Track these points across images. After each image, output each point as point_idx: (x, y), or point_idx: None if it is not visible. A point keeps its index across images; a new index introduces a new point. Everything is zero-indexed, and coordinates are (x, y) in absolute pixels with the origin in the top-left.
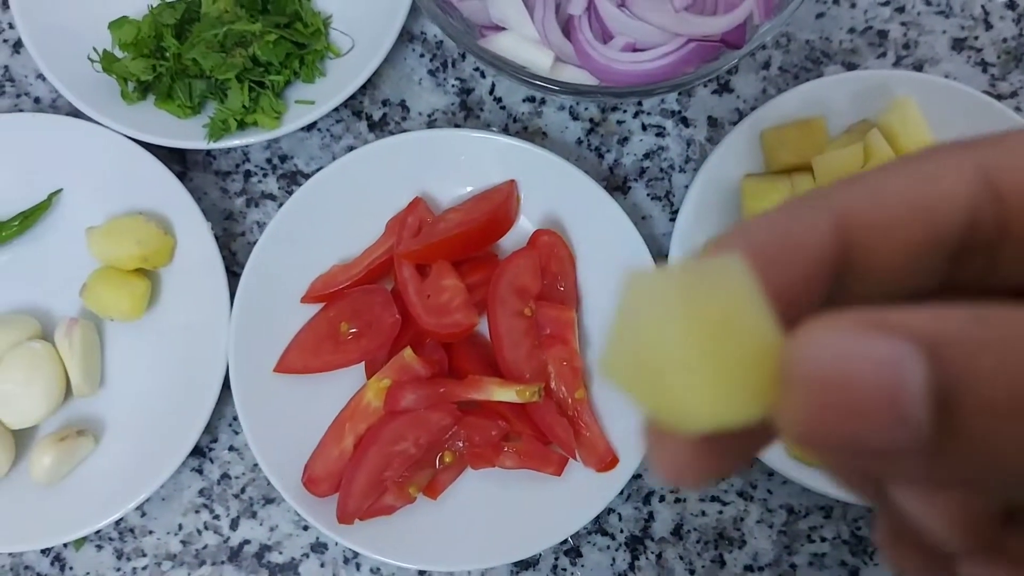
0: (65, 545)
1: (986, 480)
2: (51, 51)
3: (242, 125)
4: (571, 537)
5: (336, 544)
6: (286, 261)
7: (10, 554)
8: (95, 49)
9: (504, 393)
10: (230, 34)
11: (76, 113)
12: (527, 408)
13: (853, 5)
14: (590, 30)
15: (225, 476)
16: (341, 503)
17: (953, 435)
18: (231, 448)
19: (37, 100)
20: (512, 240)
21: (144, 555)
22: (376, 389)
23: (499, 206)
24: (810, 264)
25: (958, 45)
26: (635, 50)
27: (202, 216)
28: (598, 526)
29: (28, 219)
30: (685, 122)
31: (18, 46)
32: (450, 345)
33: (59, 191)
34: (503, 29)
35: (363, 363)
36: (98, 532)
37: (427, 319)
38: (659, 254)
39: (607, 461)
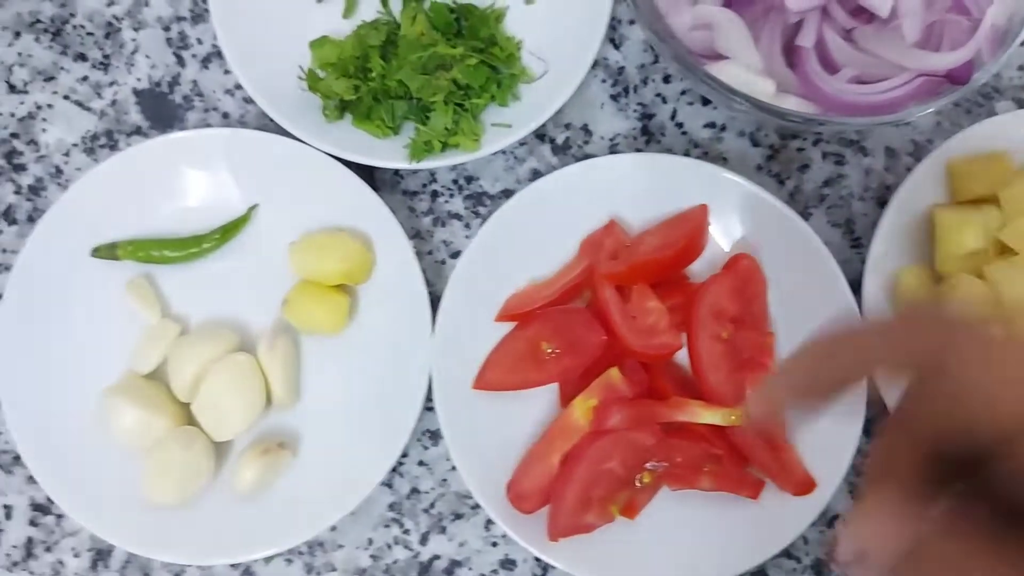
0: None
1: None
2: (249, 66)
3: (443, 147)
4: None
5: (525, 561)
6: (484, 280)
7: (200, 567)
8: (301, 68)
9: (710, 415)
10: (433, 57)
11: (266, 129)
12: (727, 430)
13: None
14: (817, 62)
15: (415, 491)
16: (552, 520)
17: None
18: (420, 463)
19: (225, 115)
20: (699, 264)
21: (334, 569)
22: (583, 408)
23: (694, 231)
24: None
25: None
26: (860, 83)
27: (403, 233)
28: (784, 549)
29: (227, 233)
30: (864, 151)
31: (206, 61)
32: (647, 366)
33: (256, 205)
34: (723, 58)
35: (556, 383)
36: None
37: (634, 340)
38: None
39: (804, 485)
